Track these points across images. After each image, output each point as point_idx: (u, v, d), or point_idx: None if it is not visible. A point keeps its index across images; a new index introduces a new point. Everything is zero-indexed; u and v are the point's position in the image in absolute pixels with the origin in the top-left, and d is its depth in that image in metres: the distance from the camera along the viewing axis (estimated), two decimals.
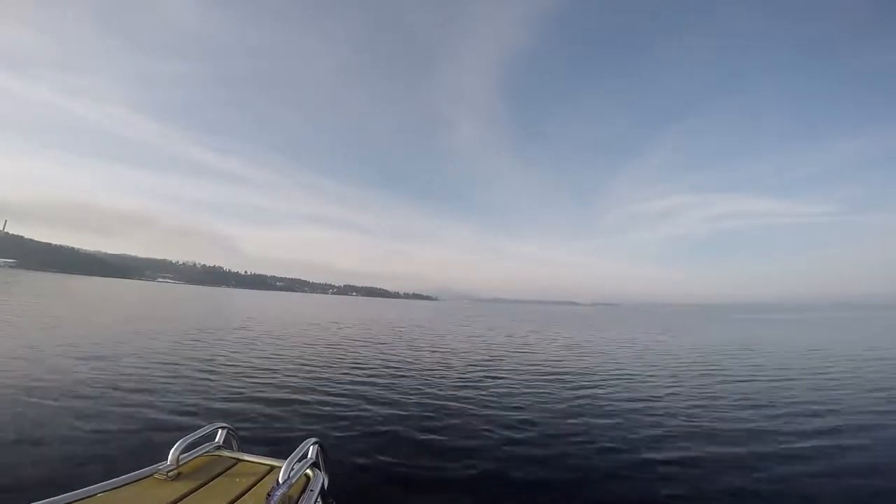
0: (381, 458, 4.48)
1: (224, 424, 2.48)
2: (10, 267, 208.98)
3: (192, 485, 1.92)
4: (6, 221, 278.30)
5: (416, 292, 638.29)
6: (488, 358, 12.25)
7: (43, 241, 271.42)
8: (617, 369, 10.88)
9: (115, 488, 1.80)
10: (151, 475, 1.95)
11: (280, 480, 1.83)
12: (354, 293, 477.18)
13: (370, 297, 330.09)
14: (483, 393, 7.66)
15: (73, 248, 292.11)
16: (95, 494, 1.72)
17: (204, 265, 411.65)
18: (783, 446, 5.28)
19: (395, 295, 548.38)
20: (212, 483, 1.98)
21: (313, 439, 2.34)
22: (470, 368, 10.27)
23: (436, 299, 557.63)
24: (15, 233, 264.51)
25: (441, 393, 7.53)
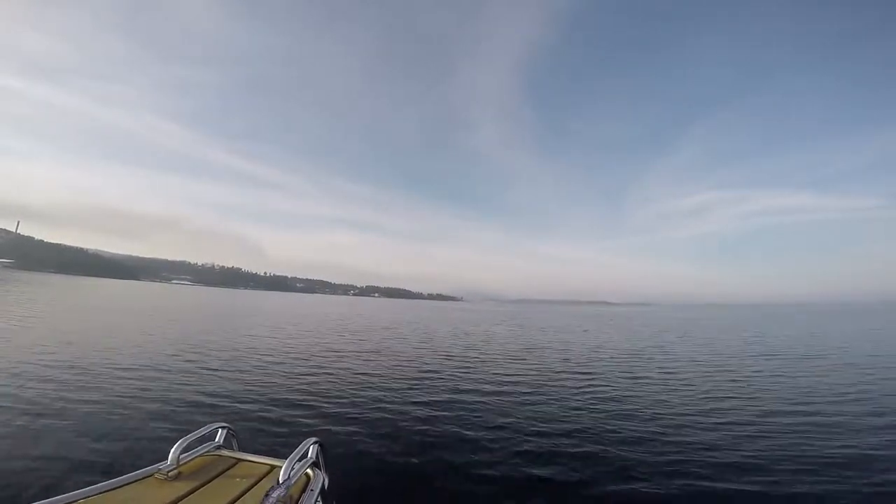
0: (382, 458, 4.47)
1: (224, 424, 2.38)
2: (5, 267, 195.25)
3: (192, 485, 1.88)
4: (18, 223, 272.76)
5: (440, 293, 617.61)
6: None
7: (50, 241, 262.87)
8: None
9: (114, 488, 1.75)
10: (151, 475, 1.90)
11: (280, 480, 1.79)
12: (376, 294, 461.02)
13: (393, 299, 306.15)
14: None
15: (78, 249, 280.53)
16: (95, 494, 1.68)
17: (222, 267, 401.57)
18: None
19: (419, 296, 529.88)
20: (212, 483, 1.93)
21: (313, 439, 2.25)
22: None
23: (460, 300, 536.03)
24: (27, 234, 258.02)
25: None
